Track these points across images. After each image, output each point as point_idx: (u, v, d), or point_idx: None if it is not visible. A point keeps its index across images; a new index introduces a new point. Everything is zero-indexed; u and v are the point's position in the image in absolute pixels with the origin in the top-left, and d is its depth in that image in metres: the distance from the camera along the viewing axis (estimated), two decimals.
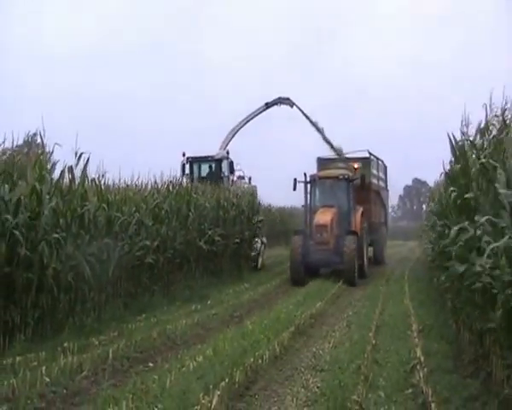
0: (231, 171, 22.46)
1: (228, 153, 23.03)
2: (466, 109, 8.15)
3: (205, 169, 22.59)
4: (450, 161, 9.52)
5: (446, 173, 10.14)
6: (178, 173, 20.41)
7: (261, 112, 26.48)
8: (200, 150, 22.77)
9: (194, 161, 22.54)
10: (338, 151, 24.90)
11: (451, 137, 8.50)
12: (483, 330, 6.63)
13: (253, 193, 22.57)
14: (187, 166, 22.31)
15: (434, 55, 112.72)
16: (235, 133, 25.41)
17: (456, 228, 6.94)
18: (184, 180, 19.17)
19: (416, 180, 75.74)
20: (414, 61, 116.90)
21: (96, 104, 78.05)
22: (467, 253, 6.65)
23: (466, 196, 6.93)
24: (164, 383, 6.34)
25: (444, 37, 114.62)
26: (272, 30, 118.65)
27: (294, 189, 19.49)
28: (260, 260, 21.98)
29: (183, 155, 22.23)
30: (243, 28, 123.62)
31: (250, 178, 24.02)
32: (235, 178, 22.97)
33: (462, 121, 8.17)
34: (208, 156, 22.69)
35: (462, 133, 8.25)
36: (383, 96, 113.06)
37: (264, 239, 23.04)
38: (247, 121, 26.04)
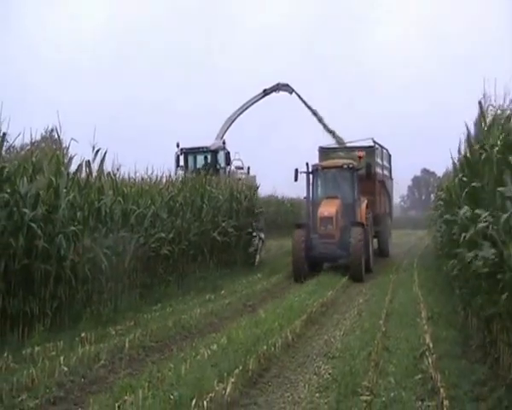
0: (228, 162, 21.26)
1: (224, 143, 22.04)
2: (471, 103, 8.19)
3: (200, 161, 21.40)
4: (459, 152, 9.59)
5: (455, 163, 10.20)
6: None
7: (259, 99, 25.28)
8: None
9: (189, 152, 21.47)
10: (340, 140, 23.97)
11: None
12: (490, 317, 6.72)
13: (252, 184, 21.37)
14: (181, 158, 21.32)
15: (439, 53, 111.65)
16: (232, 122, 24.35)
17: (463, 215, 7.03)
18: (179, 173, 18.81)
19: (424, 171, 75.41)
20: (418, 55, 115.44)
21: (96, 106, 77.66)
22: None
23: (473, 184, 7.00)
24: (179, 371, 6.47)
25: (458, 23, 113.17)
26: (275, 29, 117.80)
27: (296, 179, 18.32)
28: (258, 257, 20.58)
29: (177, 145, 21.21)
30: (249, 27, 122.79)
31: (249, 168, 22.89)
32: (233, 168, 21.94)
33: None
34: (203, 147, 21.56)
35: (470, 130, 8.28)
36: (391, 90, 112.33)
37: (262, 234, 21.42)
38: (245, 110, 24.93)
